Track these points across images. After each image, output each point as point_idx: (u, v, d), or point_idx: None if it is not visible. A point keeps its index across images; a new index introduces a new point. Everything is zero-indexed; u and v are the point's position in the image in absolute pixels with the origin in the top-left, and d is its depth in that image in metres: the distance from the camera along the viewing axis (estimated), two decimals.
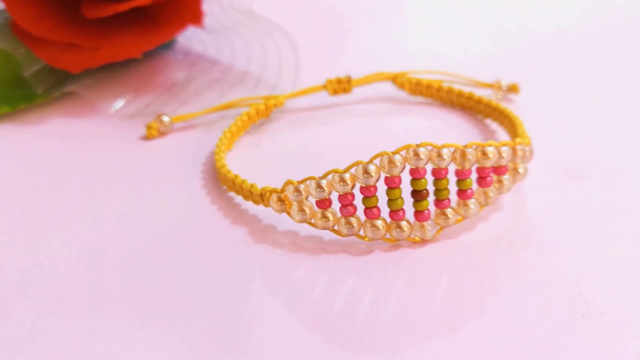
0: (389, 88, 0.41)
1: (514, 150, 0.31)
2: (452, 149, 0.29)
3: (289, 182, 0.30)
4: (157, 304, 0.27)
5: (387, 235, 0.30)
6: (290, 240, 0.30)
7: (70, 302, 0.27)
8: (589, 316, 0.26)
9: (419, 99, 0.41)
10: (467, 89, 0.40)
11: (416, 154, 0.29)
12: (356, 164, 0.29)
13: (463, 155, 0.29)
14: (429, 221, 0.30)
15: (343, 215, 0.29)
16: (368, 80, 0.41)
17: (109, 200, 0.34)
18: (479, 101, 0.39)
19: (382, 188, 0.29)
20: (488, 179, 0.30)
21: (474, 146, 0.29)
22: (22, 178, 0.36)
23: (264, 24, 0.45)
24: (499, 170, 0.30)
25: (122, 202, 0.33)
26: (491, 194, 0.30)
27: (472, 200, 0.30)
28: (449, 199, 0.30)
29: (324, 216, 0.30)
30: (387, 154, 0.29)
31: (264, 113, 0.39)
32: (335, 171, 0.29)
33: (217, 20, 0.47)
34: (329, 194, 0.29)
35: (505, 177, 0.31)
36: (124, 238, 0.31)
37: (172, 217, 0.32)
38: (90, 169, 0.36)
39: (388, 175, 0.29)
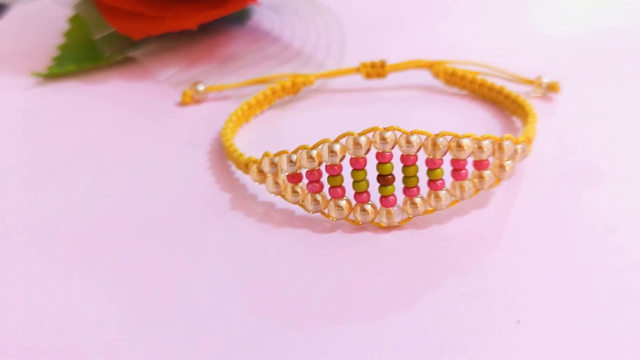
0: (426, 76, 0.40)
1: (499, 146, 0.29)
2: (422, 137, 0.28)
3: (265, 155, 0.30)
4: (111, 252, 0.29)
5: (352, 217, 0.30)
6: (263, 211, 0.31)
7: (45, 237, 0.30)
8: (524, 324, 0.24)
9: (454, 89, 0.40)
10: (503, 83, 0.38)
11: (383, 138, 0.28)
12: (323, 142, 0.29)
13: (434, 144, 0.28)
14: (395, 208, 0.29)
15: (310, 191, 0.30)
16: (404, 66, 0.40)
17: (121, 155, 0.36)
18: (507, 96, 0.37)
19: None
20: (462, 171, 0.29)
21: (447, 136, 0.28)
22: (66, 128, 0.39)
23: (316, 4, 0.46)
24: (479, 164, 0.29)
25: (131, 158, 0.36)
26: (467, 188, 0.29)
27: (443, 192, 0.29)
28: (417, 187, 0.29)
29: (294, 191, 0.30)
30: (352, 134, 0.28)
31: (291, 90, 0.40)
32: (304, 147, 0.29)
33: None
34: (299, 169, 0.29)
35: (487, 173, 0.29)
36: (114, 188, 0.33)
37: (167, 176, 0.34)
38: (121, 127, 0.39)
39: (353, 156, 0.29)
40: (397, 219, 0.29)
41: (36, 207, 0.32)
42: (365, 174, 0.29)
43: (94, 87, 0.44)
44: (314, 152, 0.29)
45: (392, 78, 0.41)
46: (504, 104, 0.37)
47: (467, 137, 0.28)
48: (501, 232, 0.29)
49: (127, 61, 0.46)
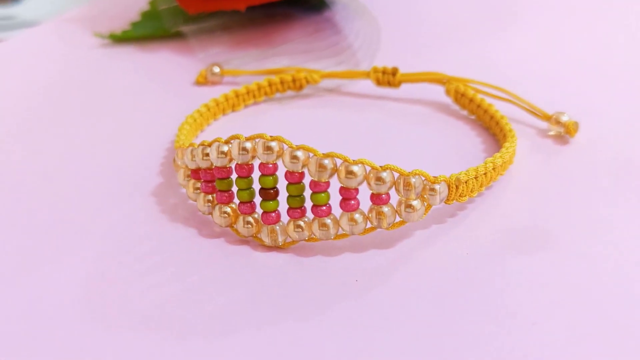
0: (443, 93, 0.36)
1: (405, 181, 0.25)
2: (310, 154, 0.25)
3: (178, 147, 0.29)
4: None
5: (236, 226, 0.27)
6: (175, 202, 0.30)
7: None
8: None
9: (465, 112, 0.35)
10: (520, 113, 0.33)
11: (267, 148, 0.25)
12: (216, 140, 0.27)
13: (320, 165, 0.25)
14: (277, 226, 0.26)
15: (203, 191, 0.28)
16: (417, 78, 0.36)
17: (112, 121, 0.37)
18: (502, 129, 0.31)
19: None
20: (352, 202, 0.25)
21: (337, 159, 0.25)
22: (95, 88, 0.41)
23: (359, 4, 0.42)
24: (376, 198, 0.25)
25: (116, 126, 0.36)
26: (358, 222, 0.25)
27: (328, 220, 0.25)
28: (302, 209, 0.26)
29: (195, 187, 0.28)
30: (239, 138, 0.26)
31: (292, 85, 0.37)
32: (202, 144, 0.27)
33: None
34: (197, 165, 0.28)
35: (385, 209, 0.25)
36: (88, 145, 0.34)
37: (129, 149, 0.34)
38: (135, 95, 0.40)
39: (238, 162, 0.26)
40: (280, 238, 0.26)
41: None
42: (251, 183, 0.26)
43: (146, 55, 0.45)
44: (208, 150, 0.27)
45: (407, 90, 0.37)
46: (499, 137, 0.32)
47: (361, 163, 0.25)
48: (384, 285, 0.25)
49: (183, 36, 0.46)
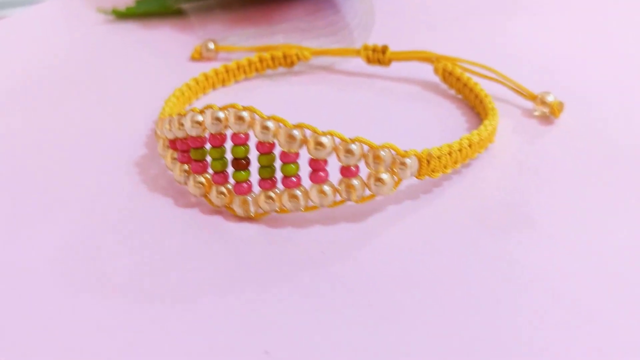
0: (432, 72, 0.36)
1: (375, 155, 0.25)
2: (280, 125, 0.25)
3: (159, 118, 0.29)
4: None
5: (209, 196, 0.27)
6: (156, 172, 0.30)
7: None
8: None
9: (452, 91, 0.35)
10: (509, 95, 0.33)
11: (238, 117, 0.26)
12: (191, 110, 0.27)
13: (289, 135, 0.25)
14: (249, 197, 0.27)
15: (179, 160, 0.28)
16: (406, 56, 0.36)
17: (111, 94, 0.37)
18: (485, 107, 0.31)
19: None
20: (321, 173, 0.25)
21: (306, 130, 0.25)
22: (94, 62, 0.41)
23: None
24: (345, 170, 0.25)
25: (111, 99, 0.37)
26: (328, 194, 0.25)
27: (298, 191, 0.26)
28: (273, 180, 0.26)
29: (172, 157, 0.29)
30: (213, 107, 0.26)
31: (283, 62, 0.37)
32: (179, 114, 0.28)
33: None
34: (174, 135, 0.28)
35: (355, 182, 0.25)
36: (74, 119, 0.35)
37: (120, 121, 0.34)
38: (130, 68, 0.40)
39: (211, 132, 0.26)
40: (251, 209, 0.27)
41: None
42: (223, 153, 0.27)
43: (146, 31, 0.45)
44: (182, 120, 0.27)
45: (397, 68, 0.37)
46: (483, 116, 0.32)
47: (330, 134, 0.25)
48: (349, 256, 0.25)
49: (184, 13, 0.47)
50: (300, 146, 0.25)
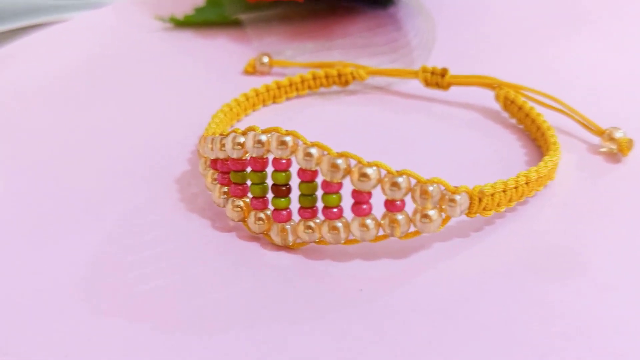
0: (492, 99, 0.34)
1: (422, 189, 0.23)
2: (324, 152, 0.24)
3: (202, 136, 0.28)
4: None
5: (247, 222, 0.26)
6: (195, 191, 0.29)
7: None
8: None
9: (514, 120, 0.33)
10: (575, 129, 0.30)
11: (281, 142, 0.24)
12: (233, 131, 0.26)
13: (333, 164, 0.24)
14: (288, 225, 0.25)
15: (219, 182, 0.27)
16: (467, 81, 0.34)
17: (161, 104, 0.37)
18: (547, 140, 0.29)
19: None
20: (364, 206, 0.24)
21: (351, 159, 0.24)
22: (150, 70, 0.41)
23: (419, 3, 0.41)
24: (390, 204, 0.24)
25: (164, 108, 0.36)
26: (370, 228, 0.24)
27: (339, 223, 0.24)
28: (314, 209, 0.25)
29: (213, 178, 0.28)
30: (255, 129, 0.25)
31: (337, 80, 0.36)
32: (221, 134, 0.27)
33: None
34: (216, 155, 0.27)
35: (399, 217, 0.24)
36: (120, 129, 0.34)
37: (166, 134, 0.34)
38: (184, 78, 0.40)
39: (253, 155, 0.25)
40: (289, 238, 0.25)
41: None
42: (264, 178, 0.25)
43: (203, 41, 0.45)
44: (224, 140, 0.26)
45: (456, 92, 0.35)
46: (544, 149, 0.29)
47: (375, 166, 0.23)
48: (390, 294, 0.23)
49: (239, 24, 0.46)
50: (344, 176, 0.24)
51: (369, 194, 0.24)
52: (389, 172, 0.23)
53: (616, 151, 0.30)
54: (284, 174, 0.25)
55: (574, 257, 0.24)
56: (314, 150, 0.24)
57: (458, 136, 0.32)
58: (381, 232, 0.24)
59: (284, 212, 0.25)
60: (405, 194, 0.23)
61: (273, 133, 0.25)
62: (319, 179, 0.24)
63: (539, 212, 0.27)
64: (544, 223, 0.26)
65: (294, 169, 0.25)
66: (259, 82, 0.38)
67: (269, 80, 0.38)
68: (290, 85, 0.36)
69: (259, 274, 0.24)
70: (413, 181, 0.24)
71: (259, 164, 0.25)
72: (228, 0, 0.46)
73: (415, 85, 0.37)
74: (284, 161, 0.24)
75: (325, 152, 0.24)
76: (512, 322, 0.22)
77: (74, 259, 0.25)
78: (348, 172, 0.24)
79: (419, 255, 0.25)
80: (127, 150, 0.32)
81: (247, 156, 0.26)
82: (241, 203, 0.26)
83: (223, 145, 0.26)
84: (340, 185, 0.24)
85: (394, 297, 0.23)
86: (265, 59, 0.39)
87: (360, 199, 0.24)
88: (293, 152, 0.24)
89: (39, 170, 0.31)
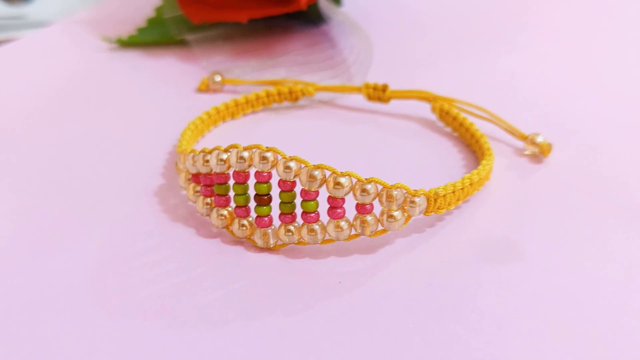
0: (429, 110, 0.38)
1: (387, 194, 0.27)
2: (302, 165, 0.28)
3: (180, 152, 0.31)
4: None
5: (231, 228, 0.30)
6: (176, 202, 0.32)
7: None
8: None
9: (449, 129, 0.37)
10: (501, 135, 0.35)
11: (262, 157, 0.28)
12: (216, 148, 0.29)
13: (310, 175, 0.27)
14: (270, 229, 0.29)
15: (202, 194, 0.30)
16: (405, 95, 0.38)
17: (112, 124, 0.39)
18: (481, 147, 0.34)
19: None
20: (338, 210, 0.28)
21: (326, 170, 0.27)
22: (96, 91, 0.43)
23: (352, 22, 0.45)
24: (361, 208, 0.28)
25: (118, 127, 0.39)
26: (344, 229, 0.28)
27: (316, 226, 0.28)
28: (293, 215, 0.28)
29: (194, 190, 0.31)
30: (237, 147, 0.28)
31: (288, 96, 0.40)
32: (202, 151, 0.30)
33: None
34: (198, 170, 0.30)
35: (368, 218, 0.28)
36: (82, 149, 0.36)
37: (132, 152, 0.36)
38: (138, 97, 0.42)
39: (235, 169, 0.28)
40: (271, 241, 0.29)
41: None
42: (246, 189, 0.29)
43: (150, 61, 0.47)
44: (208, 157, 0.29)
45: (396, 105, 0.39)
46: (479, 154, 0.34)
47: (348, 175, 0.27)
48: (367, 285, 0.27)
49: (187, 43, 0.48)
50: (320, 185, 0.27)
51: (343, 199, 0.28)
52: (359, 180, 0.27)
53: (538, 153, 0.35)
54: (265, 185, 0.28)
55: (512, 244, 0.29)
56: (292, 164, 0.27)
57: (403, 145, 0.36)
58: (353, 232, 0.28)
59: (266, 219, 0.29)
60: (374, 199, 0.27)
61: (255, 149, 0.28)
62: (297, 188, 0.28)
63: (480, 208, 0.31)
64: (485, 217, 0.31)
65: (274, 180, 0.28)
66: (212, 99, 0.41)
67: (221, 98, 0.41)
68: (247, 102, 0.39)
69: (248, 273, 0.28)
70: (379, 187, 0.27)
71: (242, 177, 0.28)
72: (171, 22, 0.49)
73: (356, 99, 0.41)
74: (265, 174, 0.28)
75: (303, 165, 0.27)
76: (470, 300, 0.26)
77: (74, 271, 0.28)
78: (324, 181, 0.27)
79: (384, 250, 0.29)
80: (102, 170, 0.34)
81: (229, 170, 0.29)
82: (225, 212, 0.29)
83: (206, 161, 0.29)
84: (317, 193, 0.28)
85: (368, 286, 0.27)
86: (218, 78, 0.42)
87: (335, 204, 0.28)
88: (274, 165, 0.28)
89: (18, 194, 0.33)
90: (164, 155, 0.36)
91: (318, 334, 0.25)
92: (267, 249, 0.29)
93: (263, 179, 0.28)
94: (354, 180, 0.27)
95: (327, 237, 0.28)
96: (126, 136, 0.38)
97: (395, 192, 0.27)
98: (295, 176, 0.28)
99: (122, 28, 0.51)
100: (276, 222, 0.29)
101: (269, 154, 0.28)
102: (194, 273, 0.28)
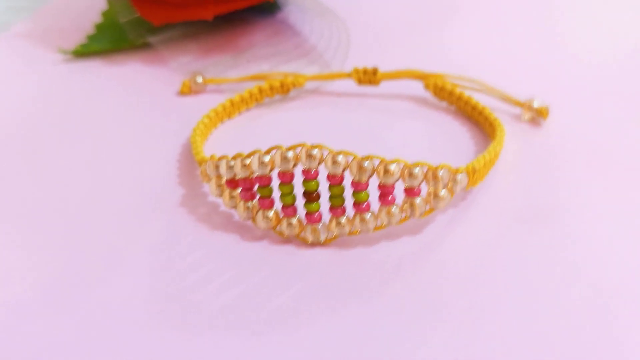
0: (420, 88, 0.40)
1: (433, 174, 0.28)
2: (349, 158, 0.28)
3: (210, 158, 0.31)
4: (46, 230, 0.31)
5: (279, 228, 0.30)
6: (205, 211, 0.32)
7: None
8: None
9: (444, 104, 0.39)
10: (495, 102, 0.37)
11: (309, 155, 0.28)
12: (254, 152, 0.29)
13: (360, 166, 0.28)
14: (320, 225, 0.29)
15: (242, 198, 0.30)
16: (396, 75, 0.39)
17: (101, 138, 0.38)
18: (486, 118, 0.35)
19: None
20: (390, 197, 0.28)
21: (375, 159, 0.28)
22: (70, 106, 0.41)
23: (323, 7, 0.45)
24: (410, 191, 0.28)
25: (109, 141, 0.37)
26: (395, 214, 0.29)
27: (369, 215, 0.29)
28: (343, 208, 0.29)
29: (231, 196, 0.30)
30: (280, 148, 0.28)
31: (280, 90, 0.40)
32: (239, 155, 0.29)
33: None
34: (236, 175, 0.30)
35: (417, 201, 0.29)
36: (80, 169, 0.35)
37: (135, 164, 0.35)
38: (118, 110, 0.40)
39: (280, 170, 0.29)
40: (322, 236, 0.29)
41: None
42: (292, 188, 0.29)
43: (115, 68, 0.46)
44: (248, 161, 0.29)
45: (386, 86, 0.40)
46: (484, 126, 0.36)
47: (396, 162, 0.28)
48: (425, 264, 0.28)
49: (150, 46, 0.47)
50: (371, 175, 0.28)
51: (392, 185, 0.28)
52: (406, 165, 0.28)
53: (534, 117, 0.37)
54: (314, 181, 0.28)
55: (547, 208, 0.31)
56: (340, 158, 0.28)
57: (406, 124, 0.37)
58: (403, 215, 0.29)
59: (316, 215, 0.29)
60: (422, 181, 0.28)
61: (300, 148, 0.28)
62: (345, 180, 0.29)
63: (502, 176, 0.33)
64: (510, 185, 0.32)
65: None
66: (197, 102, 0.41)
67: (206, 99, 0.41)
68: (242, 101, 0.39)
69: (307, 270, 0.28)
70: (425, 169, 0.28)
71: (288, 176, 0.29)
72: (128, 25, 0.48)
73: (341, 84, 0.41)
74: (313, 171, 0.28)
75: (351, 157, 0.28)
76: (523, 267, 0.28)
77: (132, 295, 0.27)
78: (374, 170, 0.28)
79: (430, 229, 0.30)
80: (112, 192, 0.33)
81: (272, 172, 0.29)
82: (270, 213, 0.29)
83: (244, 165, 0.29)
84: (367, 183, 0.28)
85: (429, 266, 0.28)
86: (199, 79, 0.42)
87: (386, 191, 0.28)
88: (321, 162, 0.28)
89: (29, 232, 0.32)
90: (172, 164, 0.35)
91: (396, 319, 0.26)
92: (317, 244, 0.29)
93: (311, 176, 0.28)
94: (402, 165, 0.28)
95: (378, 223, 0.29)
96: (122, 153, 0.37)
97: (441, 172, 0.28)
98: (344, 169, 0.28)
99: (69, 37, 0.49)
100: (325, 216, 0.29)
101: (315, 151, 0.28)
102: (255, 278, 0.28)
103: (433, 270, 0.28)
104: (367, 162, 0.28)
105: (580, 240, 0.29)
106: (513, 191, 0.32)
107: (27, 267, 0.29)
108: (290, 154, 0.28)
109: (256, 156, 0.29)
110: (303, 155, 0.28)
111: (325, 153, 0.28)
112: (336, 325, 0.26)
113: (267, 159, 0.29)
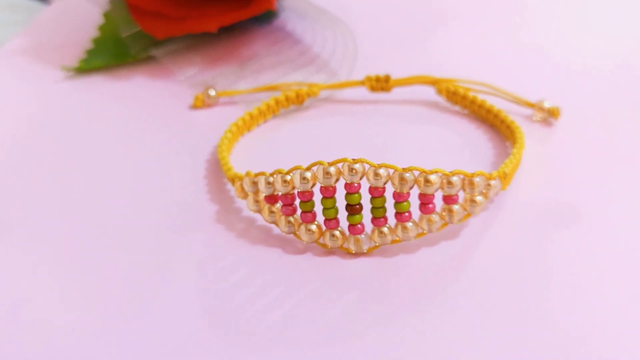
0: (431, 93, 0.41)
1: (469, 182, 0.30)
2: (390, 171, 0.29)
3: (246, 175, 0.32)
4: (85, 253, 0.31)
5: (322, 241, 0.31)
6: (243, 227, 0.32)
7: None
8: None
9: (457, 108, 0.40)
10: (506, 104, 0.38)
11: (351, 169, 0.29)
12: (296, 168, 0.30)
13: (401, 178, 0.29)
14: (362, 235, 0.30)
15: (284, 213, 0.31)
16: (408, 82, 0.40)
17: (122, 156, 0.38)
18: (503, 121, 0.37)
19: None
20: (430, 205, 0.30)
21: (415, 171, 0.29)
22: (80, 124, 0.41)
23: (331, 16, 0.46)
24: (448, 199, 0.30)
25: (130, 160, 0.38)
26: (435, 221, 0.30)
27: (410, 223, 0.30)
28: (385, 218, 0.30)
29: (270, 211, 0.31)
30: (322, 164, 0.29)
31: (295, 100, 0.41)
32: (279, 172, 0.30)
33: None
34: (275, 191, 0.31)
35: (455, 207, 0.30)
36: (105, 188, 0.35)
37: (161, 181, 0.36)
38: (132, 127, 0.41)
39: (322, 185, 0.30)
40: (364, 246, 0.30)
41: (26, 199, 0.35)
42: (335, 202, 0.30)
43: (119, 83, 0.46)
44: (288, 177, 0.30)
45: (398, 92, 0.41)
46: (500, 128, 0.37)
47: (435, 172, 0.29)
48: (465, 267, 0.29)
49: (152, 59, 0.47)
50: (412, 186, 0.29)
51: (433, 195, 0.29)
52: (444, 174, 0.29)
53: (545, 118, 0.38)
54: (356, 195, 0.29)
55: (574, 205, 0.32)
56: (382, 171, 0.29)
57: (423, 129, 0.39)
58: (442, 222, 0.30)
59: (359, 226, 0.30)
60: (459, 190, 0.30)
61: (342, 163, 0.29)
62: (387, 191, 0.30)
63: (525, 176, 0.34)
64: (535, 184, 0.34)
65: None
66: (211, 115, 0.42)
67: (219, 112, 0.42)
68: (260, 113, 0.39)
69: (355, 280, 0.29)
70: (461, 177, 0.30)
71: (330, 191, 0.30)
72: (130, 40, 0.48)
73: (352, 92, 0.42)
74: (355, 185, 0.29)
75: (392, 170, 0.29)
76: (556, 264, 0.29)
77: (185, 316, 0.28)
78: (415, 181, 0.29)
79: (465, 233, 0.31)
80: (142, 214, 0.34)
81: (314, 187, 0.30)
82: (313, 226, 0.30)
83: (285, 181, 0.30)
84: (409, 194, 0.29)
85: (470, 268, 0.29)
86: (212, 92, 0.42)
87: (426, 200, 0.30)
88: (363, 175, 0.29)
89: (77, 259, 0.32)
90: (199, 181, 0.36)
91: (452, 325, 0.27)
92: (361, 253, 0.30)
93: (354, 189, 0.29)
94: (440, 175, 0.29)
95: (419, 231, 0.30)
96: (147, 171, 0.37)
97: (477, 180, 0.30)
98: (385, 182, 0.29)
99: (66, 53, 0.49)
100: (366, 226, 0.30)
101: (357, 166, 0.29)
102: (304, 291, 0.29)
103: (476, 272, 0.29)
104: (408, 174, 0.29)
105: (615, 236, 0.31)
106: (538, 191, 0.33)
107: (81, 291, 0.29)
108: (332, 169, 0.29)
109: (298, 172, 0.30)
110: (345, 170, 0.29)
111: (367, 167, 0.29)
112: (395, 335, 0.27)
113: (308, 175, 0.30)
